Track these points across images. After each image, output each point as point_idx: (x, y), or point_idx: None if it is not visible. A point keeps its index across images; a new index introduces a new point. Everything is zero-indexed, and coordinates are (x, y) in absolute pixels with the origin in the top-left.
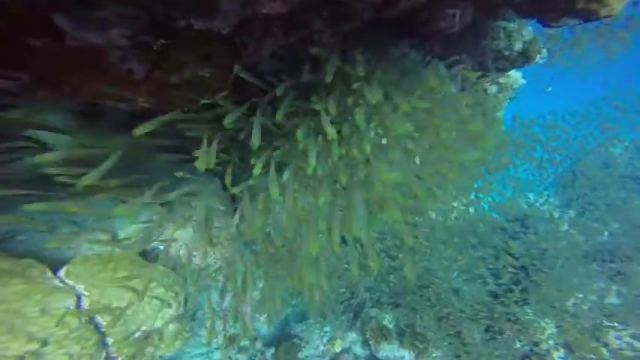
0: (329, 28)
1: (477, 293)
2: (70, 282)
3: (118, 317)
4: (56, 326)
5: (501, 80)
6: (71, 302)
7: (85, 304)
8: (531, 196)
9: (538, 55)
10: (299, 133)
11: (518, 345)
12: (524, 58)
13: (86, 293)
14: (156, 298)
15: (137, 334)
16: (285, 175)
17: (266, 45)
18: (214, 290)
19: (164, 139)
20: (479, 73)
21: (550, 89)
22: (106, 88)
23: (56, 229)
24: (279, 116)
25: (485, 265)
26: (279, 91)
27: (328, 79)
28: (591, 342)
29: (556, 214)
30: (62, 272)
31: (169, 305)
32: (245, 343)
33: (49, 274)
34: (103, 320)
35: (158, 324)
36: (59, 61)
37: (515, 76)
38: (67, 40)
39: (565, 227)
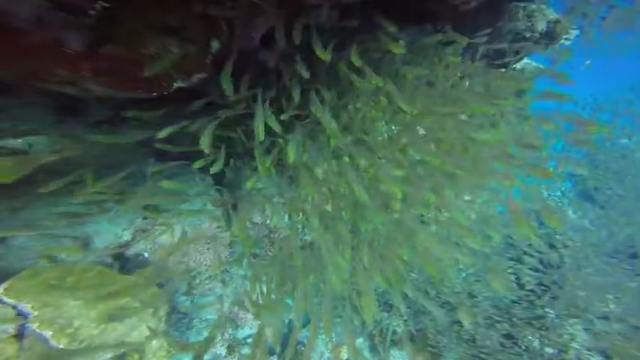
0: (326, 1)
1: (494, 296)
2: (9, 300)
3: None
4: None
5: (517, 66)
6: (9, 325)
7: (34, 325)
8: (546, 189)
9: (564, 36)
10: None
11: (543, 352)
12: (548, 39)
13: (35, 313)
14: (131, 314)
15: (108, 356)
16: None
17: (256, 23)
18: (209, 296)
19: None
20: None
21: (588, 62)
22: (24, 63)
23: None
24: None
25: (505, 266)
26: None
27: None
28: (633, 348)
29: (575, 209)
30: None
31: (147, 321)
32: (246, 351)
33: None
34: (58, 344)
35: (134, 342)
36: None
37: (532, 61)
38: None
39: (587, 222)
